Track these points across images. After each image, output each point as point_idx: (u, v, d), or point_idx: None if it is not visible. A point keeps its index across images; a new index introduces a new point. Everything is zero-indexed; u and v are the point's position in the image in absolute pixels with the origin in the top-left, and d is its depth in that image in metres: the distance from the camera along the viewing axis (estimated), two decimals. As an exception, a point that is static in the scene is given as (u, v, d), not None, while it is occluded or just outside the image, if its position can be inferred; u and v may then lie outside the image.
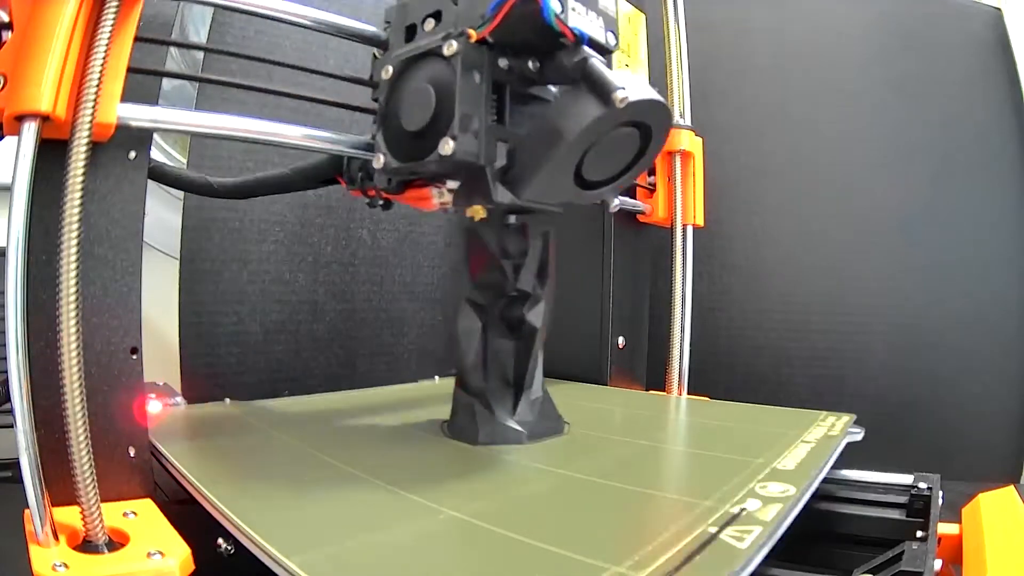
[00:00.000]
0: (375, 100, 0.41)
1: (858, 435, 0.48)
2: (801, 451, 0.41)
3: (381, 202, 0.50)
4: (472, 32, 0.34)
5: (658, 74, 0.74)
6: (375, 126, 0.40)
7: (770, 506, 0.31)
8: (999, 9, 0.83)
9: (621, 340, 0.73)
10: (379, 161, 0.39)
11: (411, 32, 0.39)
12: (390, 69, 0.39)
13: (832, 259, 0.82)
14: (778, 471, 0.37)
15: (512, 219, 0.43)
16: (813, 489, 0.35)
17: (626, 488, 0.36)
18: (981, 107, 0.82)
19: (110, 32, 0.33)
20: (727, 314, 0.84)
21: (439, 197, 0.43)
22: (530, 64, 0.36)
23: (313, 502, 0.33)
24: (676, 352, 0.70)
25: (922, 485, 0.43)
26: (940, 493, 0.43)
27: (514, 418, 0.44)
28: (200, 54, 0.63)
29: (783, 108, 0.84)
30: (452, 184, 0.41)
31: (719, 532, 0.28)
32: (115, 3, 0.33)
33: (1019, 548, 0.35)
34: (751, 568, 0.25)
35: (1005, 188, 0.81)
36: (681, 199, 0.71)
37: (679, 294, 0.70)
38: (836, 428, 0.47)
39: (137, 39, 0.36)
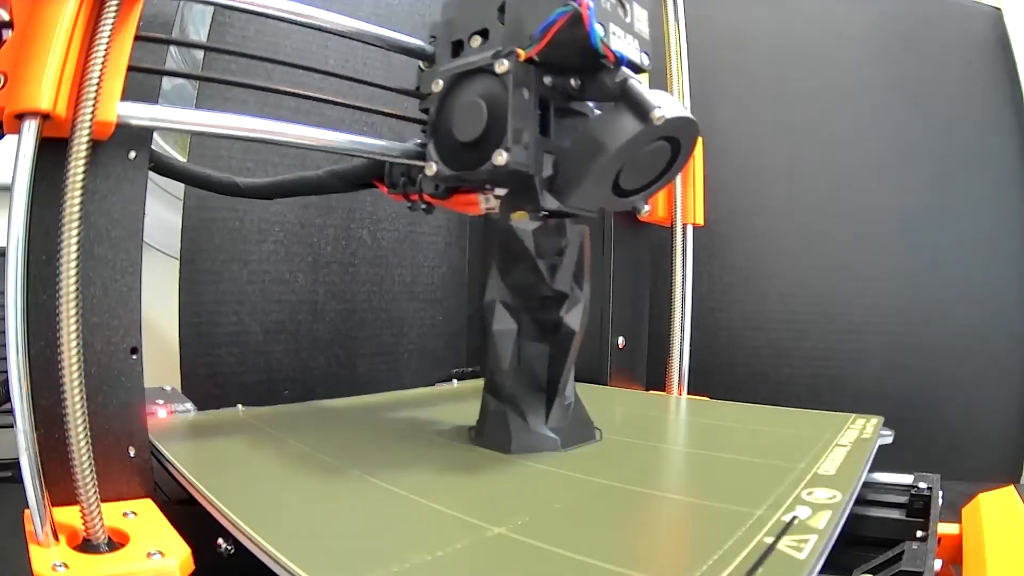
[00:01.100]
0: (423, 111, 0.43)
1: (888, 437, 0.48)
2: (838, 455, 0.41)
3: (424, 206, 0.52)
4: (521, 52, 0.37)
5: (658, 74, 0.74)
6: (424, 135, 0.42)
7: (821, 513, 0.31)
8: (999, 9, 0.83)
9: (621, 340, 0.73)
10: (431, 169, 0.41)
11: (457, 47, 0.42)
12: (441, 83, 0.41)
13: (832, 259, 0.82)
14: (820, 476, 0.36)
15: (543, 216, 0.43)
16: (856, 494, 0.34)
17: (671, 497, 0.35)
18: (981, 107, 0.82)
19: (110, 31, 0.33)
20: (727, 314, 0.84)
21: (486, 203, 0.46)
22: (572, 82, 0.39)
23: (329, 511, 0.32)
24: (676, 352, 0.70)
25: (922, 485, 0.43)
26: (940, 493, 0.43)
27: (548, 425, 0.43)
28: (200, 56, 0.63)
29: (783, 108, 0.84)
30: (499, 191, 0.43)
31: (776, 542, 0.27)
32: (115, 2, 0.33)
33: (1019, 548, 0.35)
34: None
35: (1005, 188, 0.81)
36: (681, 198, 0.71)
37: (679, 294, 0.70)
38: (868, 431, 0.47)
39: (137, 38, 0.36)
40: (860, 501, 0.45)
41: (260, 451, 0.44)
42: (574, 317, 0.43)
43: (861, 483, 0.37)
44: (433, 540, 0.28)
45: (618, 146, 0.35)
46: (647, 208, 0.68)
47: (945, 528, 0.41)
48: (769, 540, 0.28)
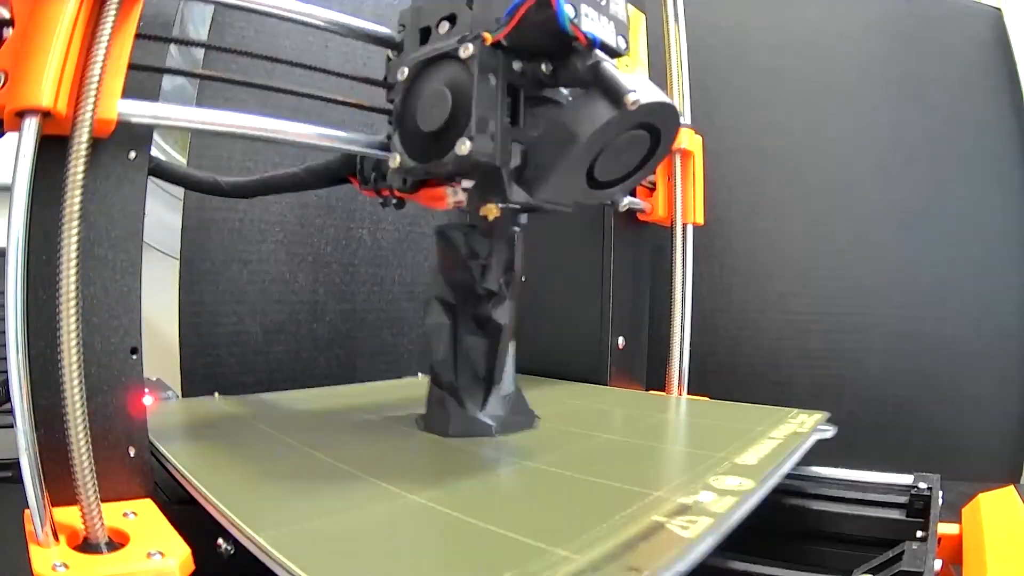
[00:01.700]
0: (390, 101, 0.42)
1: (828, 433, 0.48)
2: (765, 447, 0.41)
3: (395, 201, 0.50)
4: (487, 36, 0.35)
5: (658, 74, 0.74)
6: (391, 126, 0.41)
7: (723, 499, 0.32)
8: (999, 9, 0.83)
9: (621, 340, 0.73)
10: (395, 161, 0.39)
11: (426, 35, 0.40)
12: (406, 71, 0.39)
13: (832, 259, 0.82)
14: (737, 465, 0.38)
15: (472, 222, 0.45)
16: (773, 484, 0.35)
17: (584, 479, 0.37)
18: (981, 107, 0.82)
19: (111, 29, 0.33)
20: (727, 314, 0.84)
21: (453, 196, 0.45)
22: (543, 67, 0.37)
23: (296, 494, 0.35)
24: (676, 352, 0.70)
25: (922, 485, 0.43)
26: (940, 493, 0.43)
27: (484, 412, 0.46)
28: (200, 56, 0.62)
29: (783, 108, 0.84)
30: (467, 184, 0.42)
31: (666, 521, 0.29)
32: (116, 0, 0.33)
33: (1019, 548, 0.35)
34: (693, 555, 0.26)
35: (1005, 188, 0.81)
36: (681, 197, 0.71)
37: (679, 294, 0.70)
38: (806, 425, 0.47)
39: (138, 36, 0.36)
40: (860, 501, 0.45)
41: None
42: (502, 312, 0.46)
43: (781, 474, 0.37)
44: (352, 503, 0.32)
45: (590, 134, 0.33)
46: (627, 200, 0.68)
47: (945, 528, 0.41)
48: (660, 519, 0.29)
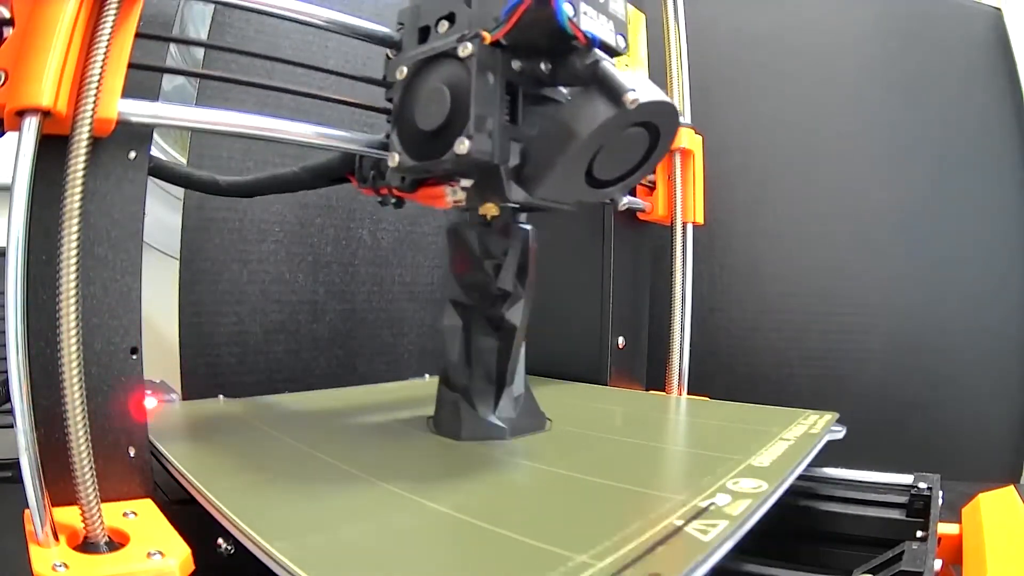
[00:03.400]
0: (389, 100, 0.41)
1: (839, 433, 0.48)
2: (778, 448, 0.41)
3: (393, 200, 0.50)
4: (486, 34, 0.35)
5: (658, 73, 0.74)
6: (390, 125, 0.41)
7: (740, 501, 0.32)
8: (999, 9, 0.83)
9: (621, 340, 0.73)
10: (394, 160, 0.39)
11: (424, 34, 0.40)
12: (404, 70, 0.39)
13: (832, 259, 0.82)
14: (753, 468, 0.37)
15: (487, 220, 0.44)
16: (787, 486, 0.35)
17: (599, 483, 0.36)
18: (981, 107, 0.82)
19: (111, 28, 0.33)
20: (727, 314, 0.84)
21: (452, 195, 0.44)
22: (542, 66, 0.37)
23: (306, 499, 0.34)
24: (676, 352, 0.70)
25: (922, 485, 0.43)
26: (940, 493, 0.43)
27: (496, 414, 0.45)
28: (200, 56, 0.62)
29: (783, 107, 0.84)
30: (466, 183, 0.42)
31: (684, 525, 0.29)
32: (115, 0, 0.33)
33: (1019, 548, 0.35)
34: (713, 560, 0.26)
35: (1005, 188, 0.81)
36: (681, 197, 0.71)
37: (679, 293, 0.70)
38: (817, 426, 0.47)
39: (138, 35, 0.35)
40: (860, 501, 0.45)
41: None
42: (515, 313, 0.45)
43: (795, 475, 0.37)
44: (372, 514, 0.31)
45: (589, 132, 0.33)
46: (626, 200, 0.68)
47: (945, 528, 0.41)
48: (679, 523, 0.29)
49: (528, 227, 0.46)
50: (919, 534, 0.40)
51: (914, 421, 0.79)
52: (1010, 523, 0.39)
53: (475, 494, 0.34)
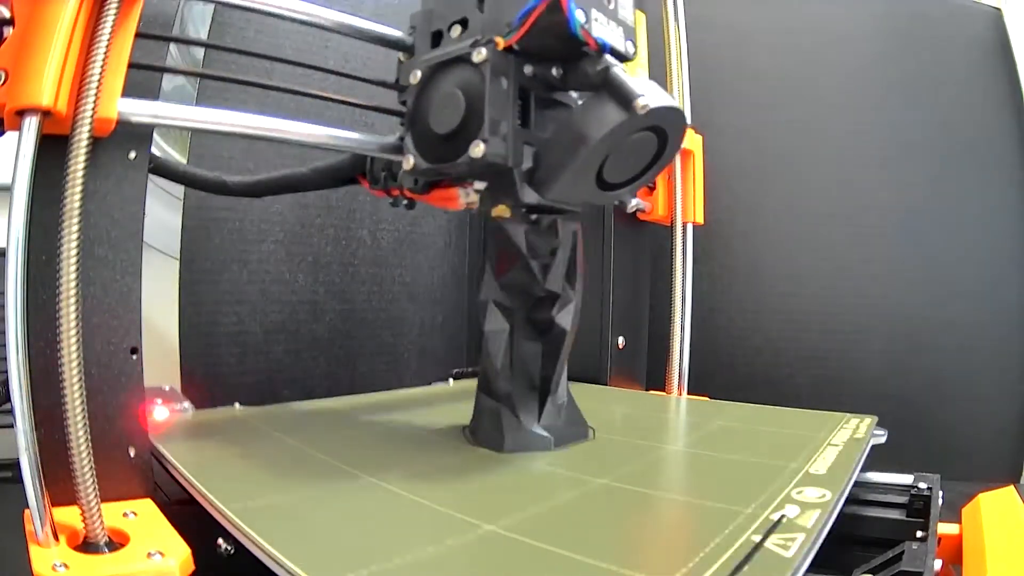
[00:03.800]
0: (402, 103, 0.42)
1: (882, 437, 0.47)
2: (830, 455, 0.41)
3: (405, 202, 0.50)
4: (500, 40, 0.36)
5: (658, 73, 0.74)
6: (403, 128, 0.41)
7: (809, 512, 0.31)
8: (999, 9, 0.83)
9: (621, 340, 0.73)
10: (409, 163, 0.40)
11: (437, 38, 0.41)
12: (418, 74, 0.40)
13: (832, 259, 0.82)
14: (811, 476, 0.37)
15: (534, 217, 0.43)
16: (847, 494, 0.35)
17: (661, 496, 0.35)
18: (981, 107, 0.82)
19: (111, 28, 0.33)
20: (727, 314, 0.84)
21: (465, 197, 0.44)
22: (553, 71, 0.38)
23: (342, 517, 0.32)
24: (676, 352, 0.70)
25: (922, 485, 0.43)
26: (940, 493, 0.43)
27: (540, 424, 0.43)
28: (200, 56, 0.62)
29: (783, 107, 0.84)
30: (479, 185, 0.42)
31: (763, 540, 0.28)
32: (115, 0, 0.33)
33: (1019, 548, 0.35)
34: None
35: (1005, 188, 0.81)
36: (681, 197, 0.71)
37: (679, 293, 0.70)
38: (861, 431, 0.47)
39: (138, 35, 0.36)
40: (860, 501, 0.45)
41: (259, 450, 0.44)
42: (566, 317, 0.43)
43: (852, 482, 0.37)
44: (428, 538, 0.29)
45: (600, 136, 0.34)
46: (634, 202, 0.68)
47: (945, 528, 0.41)
48: (756, 538, 0.28)
49: (577, 224, 0.44)
50: (919, 534, 0.40)
51: (914, 421, 0.79)
52: (1010, 523, 0.39)
53: (530, 512, 0.32)
